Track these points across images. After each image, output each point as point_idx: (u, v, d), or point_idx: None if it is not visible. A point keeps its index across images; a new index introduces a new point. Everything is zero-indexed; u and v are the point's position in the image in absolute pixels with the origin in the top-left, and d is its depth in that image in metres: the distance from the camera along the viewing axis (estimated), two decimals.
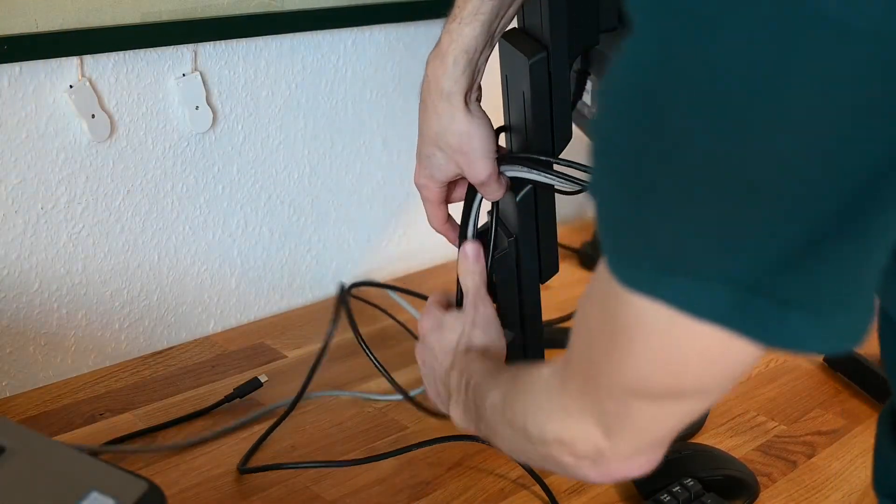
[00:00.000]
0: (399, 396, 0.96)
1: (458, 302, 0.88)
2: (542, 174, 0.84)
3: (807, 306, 0.42)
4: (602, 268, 0.47)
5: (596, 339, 0.50)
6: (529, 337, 0.93)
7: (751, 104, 0.38)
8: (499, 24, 0.80)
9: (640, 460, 0.54)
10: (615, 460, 0.54)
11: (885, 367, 0.61)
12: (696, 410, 0.52)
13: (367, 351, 0.98)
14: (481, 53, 0.79)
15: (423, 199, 0.87)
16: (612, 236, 0.45)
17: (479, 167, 0.81)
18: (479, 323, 0.81)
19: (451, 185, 0.87)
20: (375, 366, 0.97)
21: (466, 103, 0.80)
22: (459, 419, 0.75)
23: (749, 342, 0.43)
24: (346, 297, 1.04)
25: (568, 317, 1.18)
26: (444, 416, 0.81)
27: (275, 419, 0.94)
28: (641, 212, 0.43)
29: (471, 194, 0.88)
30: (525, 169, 0.85)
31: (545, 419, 0.57)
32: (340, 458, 0.89)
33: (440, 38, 0.78)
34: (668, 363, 0.47)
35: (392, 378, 0.96)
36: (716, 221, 0.41)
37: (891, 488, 0.59)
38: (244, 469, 0.87)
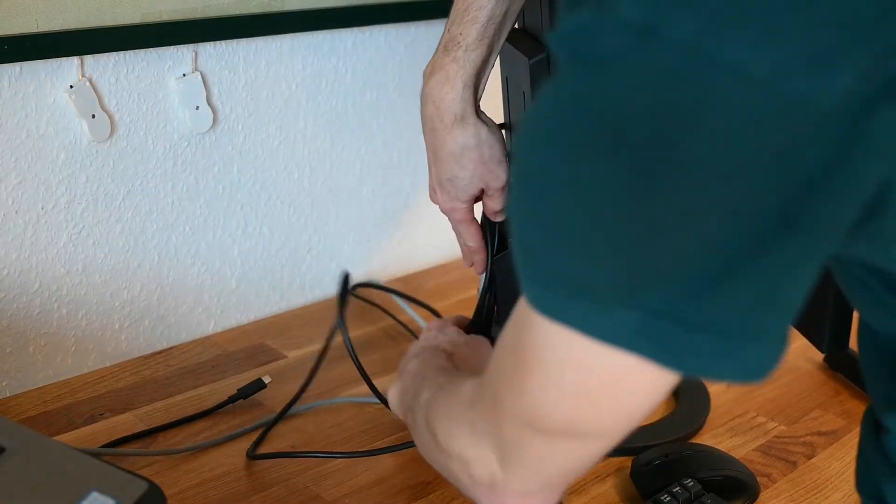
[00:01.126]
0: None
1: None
2: None
3: (714, 331, 0.42)
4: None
5: (504, 361, 0.51)
6: None
7: (657, 148, 0.39)
8: (501, 40, 0.82)
9: (533, 500, 0.54)
10: (508, 494, 0.54)
11: (863, 371, 0.61)
12: (590, 454, 0.51)
13: (353, 356, 0.94)
14: (485, 71, 0.82)
15: (455, 221, 0.88)
16: (523, 258, 0.45)
17: (501, 171, 0.83)
18: (473, 344, 0.83)
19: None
20: (358, 370, 0.92)
21: (478, 116, 0.82)
22: (394, 402, 0.77)
23: (651, 367, 0.43)
24: (347, 294, 1.04)
25: None
26: None
27: (276, 417, 0.94)
28: (551, 238, 0.43)
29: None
30: None
31: (454, 432, 0.58)
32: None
33: (443, 65, 0.80)
34: (567, 391, 0.47)
35: (372, 383, 0.92)
36: (624, 250, 0.41)
37: (873, 490, 0.59)
38: (253, 455, 0.87)
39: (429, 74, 0.81)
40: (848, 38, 0.37)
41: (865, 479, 0.61)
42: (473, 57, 0.79)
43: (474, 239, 0.89)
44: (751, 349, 0.43)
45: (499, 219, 0.88)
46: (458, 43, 0.79)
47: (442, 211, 0.88)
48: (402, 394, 0.75)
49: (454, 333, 0.84)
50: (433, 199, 0.87)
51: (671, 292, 0.41)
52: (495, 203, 0.86)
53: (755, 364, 0.44)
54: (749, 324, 0.43)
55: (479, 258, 0.91)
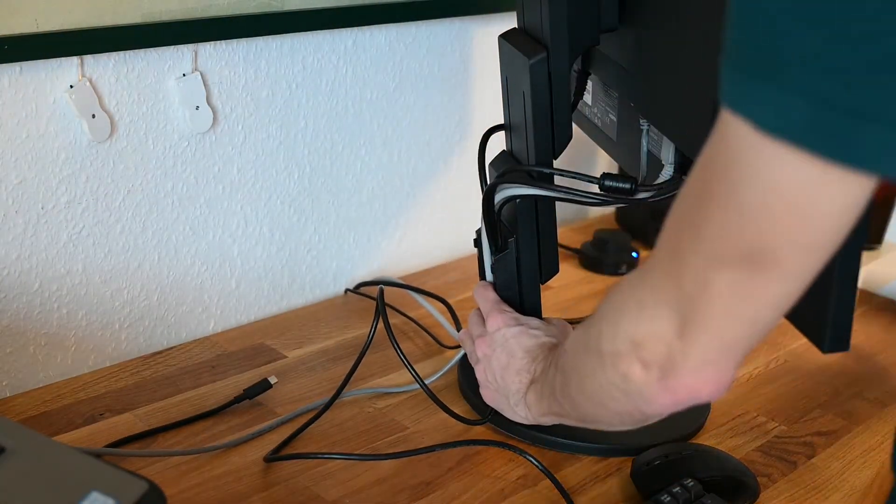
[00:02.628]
0: (406, 389, 0.97)
1: None
2: (544, 189, 0.84)
3: (883, 120, 0.41)
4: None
5: (683, 205, 0.50)
6: None
7: None
8: None
9: (710, 372, 0.53)
10: (685, 370, 0.52)
11: None
12: (776, 299, 0.50)
13: (397, 348, 1.00)
14: None
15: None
16: (727, 52, 0.45)
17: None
18: (561, 329, 0.88)
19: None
20: (401, 359, 0.99)
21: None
22: (535, 402, 0.79)
23: (827, 176, 0.42)
24: (383, 298, 1.09)
25: (569, 320, 1.18)
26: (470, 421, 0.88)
27: (284, 419, 0.95)
28: (752, 14, 0.43)
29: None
30: (525, 186, 0.85)
31: (618, 320, 0.56)
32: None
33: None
34: (749, 208, 0.46)
35: (414, 369, 0.98)
36: (805, 30, 0.41)
37: None
38: (270, 458, 0.88)
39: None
40: None
41: None
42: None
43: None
44: None
45: None
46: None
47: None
48: (541, 391, 0.78)
49: (543, 325, 0.87)
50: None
51: (845, 81, 0.41)
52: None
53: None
54: None
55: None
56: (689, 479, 0.83)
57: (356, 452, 0.90)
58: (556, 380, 0.73)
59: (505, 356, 0.85)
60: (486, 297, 0.92)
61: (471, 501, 0.85)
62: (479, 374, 0.89)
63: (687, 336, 0.52)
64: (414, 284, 1.23)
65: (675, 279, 0.51)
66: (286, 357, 1.08)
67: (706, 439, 0.95)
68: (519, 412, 0.84)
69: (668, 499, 0.81)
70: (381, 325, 1.05)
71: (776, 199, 0.45)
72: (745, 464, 0.90)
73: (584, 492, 0.87)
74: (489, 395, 0.88)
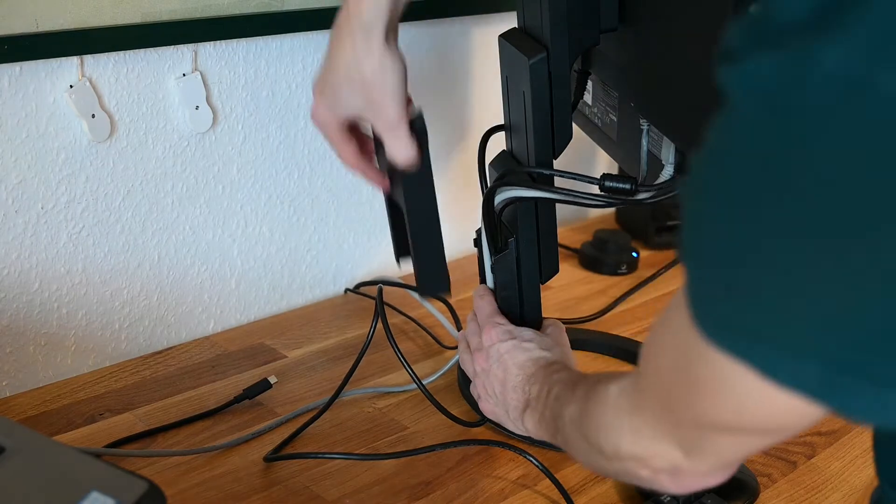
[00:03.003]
0: (405, 389, 0.97)
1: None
2: (544, 191, 0.84)
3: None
4: (682, 309, 0.46)
5: (672, 380, 0.51)
6: None
7: (870, 209, 0.36)
8: None
9: (717, 475, 0.56)
10: (692, 476, 0.56)
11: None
12: (777, 441, 0.53)
13: (395, 348, 0.99)
14: None
15: (326, 136, 0.82)
16: (701, 290, 0.44)
17: (389, 106, 0.77)
18: (556, 337, 0.87)
19: (355, 132, 0.83)
20: (399, 359, 0.98)
21: (386, 39, 0.76)
22: (533, 428, 0.78)
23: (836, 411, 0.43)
24: (381, 298, 1.07)
25: (569, 320, 1.18)
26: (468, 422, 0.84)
27: (283, 420, 0.95)
28: (735, 291, 0.42)
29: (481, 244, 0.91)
30: (525, 189, 0.85)
31: (617, 438, 0.59)
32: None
33: None
34: (746, 414, 0.47)
35: (412, 370, 0.97)
36: (817, 306, 0.40)
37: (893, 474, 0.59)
38: (269, 458, 0.88)
39: None
40: None
41: (889, 467, 0.61)
42: None
43: (351, 157, 0.83)
44: None
45: (401, 158, 0.79)
46: None
47: (312, 119, 0.83)
48: (539, 421, 0.76)
49: (536, 337, 0.86)
50: (312, 109, 0.82)
51: (863, 347, 0.40)
52: (392, 145, 0.79)
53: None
54: None
55: (370, 175, 0.86)
56: None
57: (356, 452, 0.90)
58: (556, 424, 0.72)
59: (501, 372, 0.83)
60: (482, 308, 0.90)
61: (470, 501, 0.85)
62: (478, 388, 0.88)
63: (691, 460, 0.54)
64: (414, 284, 1.23)
65: (672, 428, 0.54)
66: (286, 357, 1.08)
67: None
68: (519, 426, 0.83)
69: (668, 499, 0.81)
70: (381, 324, 1.05)
71: (775, 411, 0.46)
72: (744, 464, 0.90)
73: (583, 492, 0.87)
74: (489, 409, 0.87)
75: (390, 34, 0.77)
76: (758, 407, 0.46)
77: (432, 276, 0.87)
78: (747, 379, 0.44)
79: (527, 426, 0.80)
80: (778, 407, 0.45)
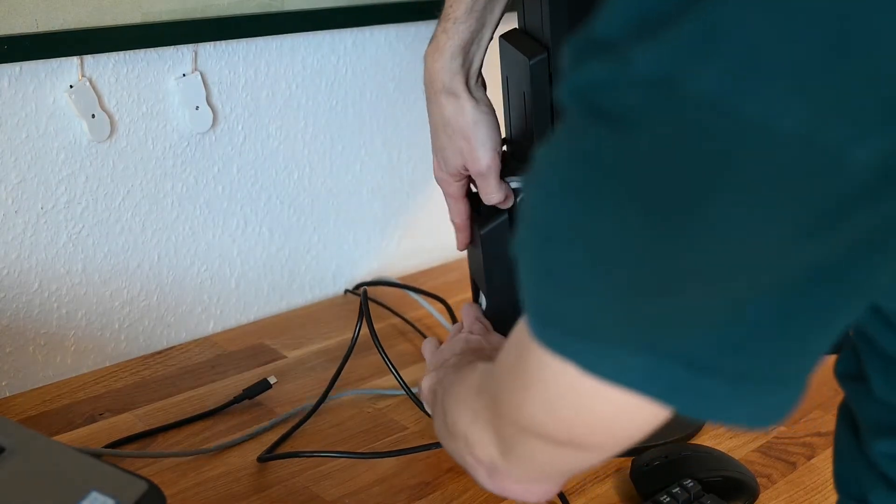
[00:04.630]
0: (401, 392, 0.97)
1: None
2: None
3: (731, 376, 0.41)
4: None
5: (505, 372, 0.51)
6: None
7: (679, 208, 0.38)
8: (494, 15, 0.83)
9: (534, 488, 0.55)
10: (509, 480, 0.55)
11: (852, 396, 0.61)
12: (587, 461, 0.52)
13: (381, 351, 0.98)
14: (476, 44, 0.83)
15: (444, 194, 0.90)
16: (528, 295, 0.45)
17: (480, 155, 0.83)
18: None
19: (468, 190, 0.90)
20: (385, 363, 0.97)
21: (470, 92, 0.83)
22: (425, 391, 0.78)
23: (656, 406, 0.43)
24: (366, 299, 1.06)
25: None
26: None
27: (278, 420, 0.95)
28: (558, 284, 0.43)
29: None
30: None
31: (460, 414, 0.59)
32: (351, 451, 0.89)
33: (436, 36, 0.82)
34: (564, 415, 0.47)
35: (399, 375, 0.96)
36: (639, 303, 0.41)
37: (858, 493, 0.59)
38: (262, 458, 0.88)
39: (428, 45, 0.83)
40: (882, 91, 0.34)
41: (847, 481, 0.61)
42: (462, 29, 0.81)
43: (459, 216, 0.91)
44: (769, 394, 0.43)
45: (492, 201, 0.87)
46: (448, 16, 0.82)
47: (435, 178, 0.90)
48: (434, 383, 0.76)
49: (498, 340, 0.85)
50: (433, 169, 0.90)
51: (687, 342, 0.41)
52: (482, 188, 0.86)
53: (772, 409, 0.43)
54: (769, 370, 0.42)
55: (460, 236, 0.93)
56: (689, 480, 0.83)
57: (354, 452, 0.90)
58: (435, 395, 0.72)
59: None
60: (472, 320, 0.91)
61: (470, 501, 0.85)
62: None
63: (506, 461, 0.54)
64: (413, 285, 1.23)
65: (495, 420, 0.54)
66: (286, 357, 1.08)
67: (705, 440, 0.95)
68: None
69: (668, 499, 0.81)
70: (382, 325, 1.05)
71: (596, 415, 0.46)
72: (744, 464, 0.90)
73: (583, 492, 0.87)
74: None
75: (474, 82, 0.84)
76: (570, 408, 0.46)
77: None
78: (564, 376, 0.44)
79: (423, 393, 0.79)
80: (590, 411, 0.45)
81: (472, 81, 0.84)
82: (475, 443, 0.56)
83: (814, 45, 0.34)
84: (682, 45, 0.35)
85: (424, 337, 1.12)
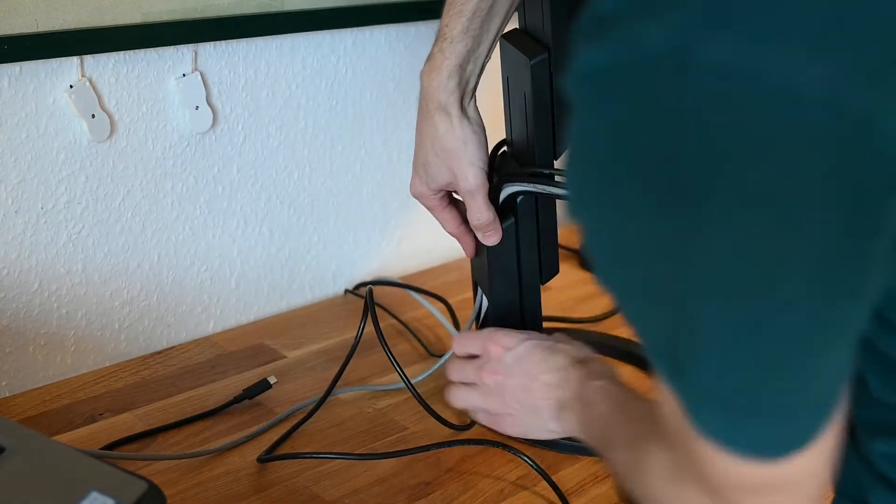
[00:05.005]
0: (401, 385, 0.98)
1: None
2: (546, 187, 0.85)
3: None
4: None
5: (686, 446, 0.50)
6: None
7: (709, 184, 0.37)
8: (490, 34, 0.84)
9: None
10: None
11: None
12: (804, 498, 0.51)
13: (386, 348, 0.98)
14: (473, 63, 0.84)
15: (427, 207, 0.92)
16: (680, 379, 0.45)
17: (469, 173, 0.85)
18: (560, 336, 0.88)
19: (451, 199, 0.91)
20: (390, 361, 0.97)
21: (463, 111, 0.84)
22: (576, 430, 0.78)
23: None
24: (372, 299, 1.07)
25: (569, 320, 1.18)
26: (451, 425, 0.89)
27: (278, 419, 0.95)
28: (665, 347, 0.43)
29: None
30: (527, 184, 0.85)
31: (673, 499, 0.57)
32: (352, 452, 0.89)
33: (433, 55, 0.83)
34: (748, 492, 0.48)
35: (403, 373, 0.96)
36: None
37: (856, 493, 0.59)
38: (263, 458, 0.88)
39: (425, 63, 0.85)
40: None
41: (844, 482, 0.61)
42: (458, 49, 0.82)
43: (452, 226, 0.92)
44: (770, 427, 0.44)
45: (481, 220, 0.88)
46: (445, 35, 0.83)
47: (412, 194, 0.91)
48: (587, 427, 0.77)
49: (547, 335, 0.86)
50: (410, 184, 0.91)
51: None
52: (470, 208, 0.87)
53: (769, 441, 0.44)
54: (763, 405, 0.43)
55: (464, 243, 0.93)
56: None
57: (351, 452, 0.90)
58: (605, 448, 0.71)
59: (522, 376, 0.83)
60: (469, 336, 0.90)
61: (470, 502, 0.85)
62: (494, 407, 0.85)
63: None
64: (414, 284, 1.23)
65: (710, 492, 0.52)
66: (286, 357, 1.08)
67: None
68: (553, 427, 0.82)
69: None
70: (383, 325, 1.05)
71: (769, 480, 0.47)
72: None
73: (583, 492, 0.87)
74: (514, 426, 0.85)
75: (467, 103, 0.85)
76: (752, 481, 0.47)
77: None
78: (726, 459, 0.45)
79: (565, 427, 0.80)
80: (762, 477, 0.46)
81: (467, 100, 0.85)
82: None
83: (836, 3, 0.33)
84: (693, 14, 0.34)
85: (418, 339, 1.12)
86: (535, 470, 0.87)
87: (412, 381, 0.96)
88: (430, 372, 1.02)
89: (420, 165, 0.88)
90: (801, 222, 0.36)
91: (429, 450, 0.90)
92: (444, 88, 0.83)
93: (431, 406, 0.94)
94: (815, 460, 0.47)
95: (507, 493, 0.86)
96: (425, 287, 1.22)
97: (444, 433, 0.94)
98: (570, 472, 0.89)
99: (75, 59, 0.94)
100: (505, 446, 0.90)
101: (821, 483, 0.49)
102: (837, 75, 0.33)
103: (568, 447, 0.91)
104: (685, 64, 0.35)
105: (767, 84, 0.33)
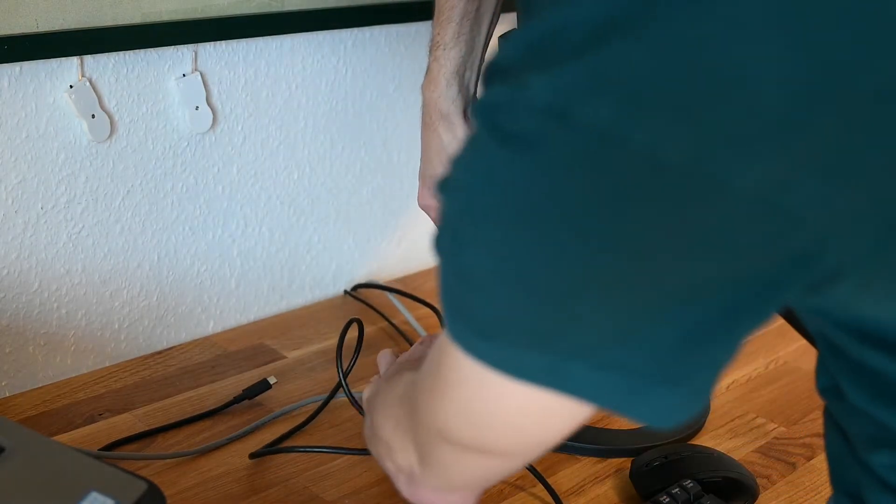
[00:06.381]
0: None
1: None
2: None
3: (626, 371, 0.43)
4: None
5: (426, 376, 0.52)
6: None
7: (571, 229, 0.40)
8: (481, 37, 0.84)
9: (451, 497, 0.56)
10: (425, 488, 0.56)
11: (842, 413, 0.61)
12: (500, 470, 0.53)
13: (339, 360, 0.93)
14: (470, 69, 0.84)
15: (433, 220, 0.91)
16: (444, 297, 0.46)
17: None
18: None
19: None
20: (339, 377, 0.92)
21: (466, 119, 0.84)
22: (365, 398, 0.76)
23: (561, 403, 0.44)
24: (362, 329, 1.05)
25: None
26: None
27: (278, 420, 0.95)
28: (466, 289, 0.44)
29: None
30: None
31: (384, 420, 0.60)
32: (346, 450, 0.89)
33: (429, 67, 0.84)
34: (475, 419, 0.48)
35: (349, 390, 0.92)
36: (542, 309, 0.42)
37: (855, 489, 0.59)
38: (254, 454, 0.88)
39: (424, 77, 0.85)
40: (762, 124, 0.36)
41: (845, 482, 0.61)
42: (452, 55, 0.82)
43: None
44: (661, 394, 0.44)
45: None
46: (438, 43, 0.83)
47: (419, 206, 0.91)
48: (371, 392, 0.76)
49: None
50: (418, 195, 0.90)
51: (586, 343, 0.43)
52: None
53: (665, 410, 0.44)
54: (663, 370, 0.43)
55: None
56: (688, 481, 0.83)
57: (348, 448, 0.90)
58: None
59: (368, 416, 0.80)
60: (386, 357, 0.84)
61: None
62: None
63: (423, 469, 0.55)
64: (413, 285, 1.23)
65: (414, 427, 0.55)
66: (286, 357, 1.08)
67: (705, 440, 0.95)
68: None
69: (667, 500, 0.81)
70: (377, 327, 1.05)
71: (503, 417, 0.47)
72: (744, 465, 0.90)
73: (583, 492, 0.87)
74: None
75: (470, 111, 0.85)
76: (481, 411, 0.47)
77: None
78: (475, 376, 0.45)
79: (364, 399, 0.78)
80: (499, 413, 0.46)
81: (469, 108, 0.85)
82: (396, 449, 0.57)
83: (693, 80, 0.36)
84: (576, 78, 0.37)
85: (410, 344, 1.12)
86: (531, 472, 0.87)
87: None
88: None
89: (427, 177, 0.88)
90: (657, 270, 0.40)
91: None
92: (446, 97, 0.83)
93: None
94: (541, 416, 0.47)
95: (506, 494, 0.86)
96: (425, 287, 1.22)
97: None
98: (571, 472, 0.89)
99: (75, 60, 0.94)
100: None
101: (533, 451, 0.50)
102: (696, 142, 0.36)
103: (567, 447, 0.91)
104: (566, 121, 0.38)
105: (634, 147, 0.37)
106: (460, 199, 0.44)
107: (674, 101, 0.36)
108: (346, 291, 1.25)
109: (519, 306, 0.43)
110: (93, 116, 0.96)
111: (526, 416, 0.46)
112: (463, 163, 0.44)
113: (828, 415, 0.61)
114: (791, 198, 0.37)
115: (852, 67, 0.36)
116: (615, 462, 0.90)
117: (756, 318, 0.44)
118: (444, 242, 0.45)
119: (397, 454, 0.57)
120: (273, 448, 0.90)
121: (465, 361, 0.45)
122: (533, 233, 0.40)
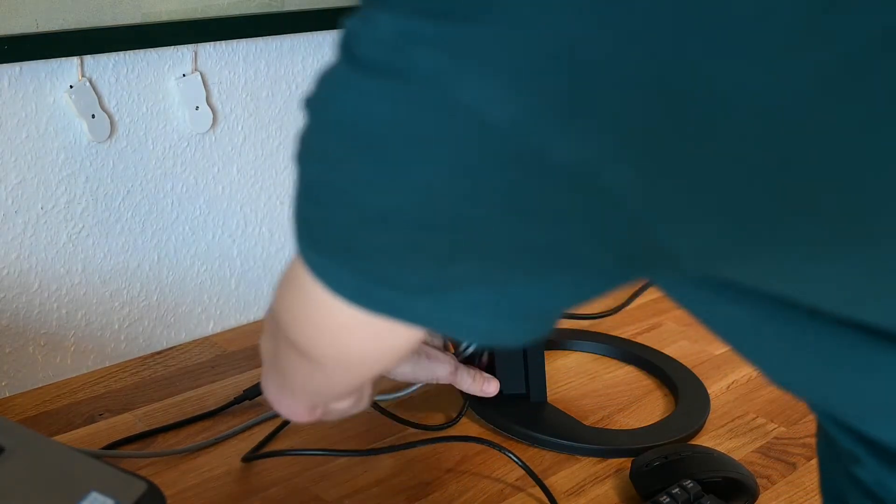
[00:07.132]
0: (413, 388, 0.98)
1: None
2: None
3: (403, 288, 0.46)
4: None
5: (284, 276, 0.56)
6: (533, 389, 0.97)
7: (390, 161, 0.41)
8: None
9: (284, 401, 0.62)
10: (268, 390, 0.62)
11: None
12: (328, 382, 0.57)
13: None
14: None
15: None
16: (295, 197, 0.51)
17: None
18: None
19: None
20: None
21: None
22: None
23: (367, 321, 0.47)
24: None
25: (568, 317, 1.18)
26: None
27: (277, 419, 0.94)
28: (307, 206, 0.49)
29: None
30: None
31: (265, 327, 0.63)
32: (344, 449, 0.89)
33: None
34: (299, 318, 0.53)
35: None
36: (351, 232, 0.46)
37: (836, 493, 0.59)
38: (251, 456, 0.88)
39: None
40: (590, 93, 0.36)
41: (828, 481, 0.61)
42: None
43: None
44: (433, 306, 0.46)
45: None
46: None
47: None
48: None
49: None
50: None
51: (386, 273, 0.46)
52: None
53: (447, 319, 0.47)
54: (442, 287, 0.46)
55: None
56: (688, 481, 0.83)
57: (338, 448, 0.90)
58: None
59: None
60: None
61: (470, 502, 0.85)
62: None
63: (268, 367, 0.61)
64: None
65: (270, 324, 0.59)
66: None
67: (705, 440, 0.95)
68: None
69: (668, 500, 0.81)
70: None
71: (327, 328, 0.51)
72: (744, 465, 0.90)
73: (583, 493, 0.87)
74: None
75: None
76: (303, 310, 0.51)
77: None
78: (304, 279, 0.49)
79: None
80: (315, 316, 0.51)
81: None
82: (263, 352, 0.62)
83: (529, 49, 0.36)
84: (421, 19, 0.38)
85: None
86: (527, 473, 0.87)
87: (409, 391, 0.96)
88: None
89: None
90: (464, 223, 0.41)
91: (425, 444, 0.90)
92: None
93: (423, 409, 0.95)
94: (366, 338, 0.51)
95: (506, 494, 0.86)
96: None
97: (447, 433, 0.94)
98: (570, 473, 0.89)
99: (75, 60, 0.94)
100: (501, 447, 0.90)
101: (357, 367, 0.54)
102: (522, 108, 0.37)
103: (567, 448, 0.91)
104: (403, 57, 0.39)
105: (457, 104, 0.37)
106: (315, 114, 0.46)
107: (500, 61, 0.37)
108: None
109: (341, 223, 0.46)
110: (93, 116, 0.96)
111: (337, 325, 0.50)
112: (323, 81, 0.45)
113: (818, 421, 0.61)
114: (609, 178, 0.38)
115: (662, 59, 0.35)
116: (615, 462, 0.90)
117: (580, 292, 0.46)
118: (297, 152, 0.49)
119: (264, 344, 0.62)
120: (272, 452, 0.89)
121: (300, 265, 0.50)
122: (356, 158, 0.42)
